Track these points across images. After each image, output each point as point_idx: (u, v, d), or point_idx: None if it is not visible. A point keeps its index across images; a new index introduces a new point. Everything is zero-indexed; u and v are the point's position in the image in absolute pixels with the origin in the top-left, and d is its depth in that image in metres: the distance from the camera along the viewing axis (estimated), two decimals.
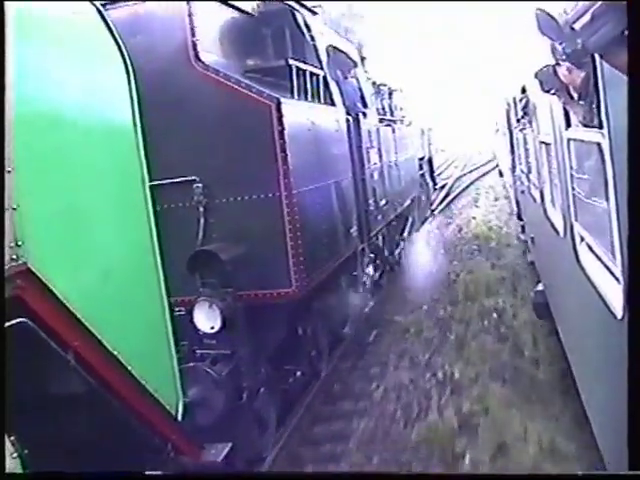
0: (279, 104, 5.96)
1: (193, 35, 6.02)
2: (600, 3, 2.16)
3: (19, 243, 2.75)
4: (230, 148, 6.08)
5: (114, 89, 3.72)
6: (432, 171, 19.52)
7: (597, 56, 2.56)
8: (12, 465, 2.68)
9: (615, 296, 2.98)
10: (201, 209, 6.16)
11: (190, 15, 6.00)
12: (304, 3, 8.21)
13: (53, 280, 2.89)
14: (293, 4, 7.75)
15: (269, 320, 6.41)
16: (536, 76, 4.30)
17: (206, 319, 5.88)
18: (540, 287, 8.53)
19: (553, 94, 4.12)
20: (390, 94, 14.41)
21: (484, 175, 32.33)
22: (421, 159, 16.92)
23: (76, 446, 3.23)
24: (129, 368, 3.36)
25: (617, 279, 2.98)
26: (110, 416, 3.39)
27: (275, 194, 6.02)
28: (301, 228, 6.11)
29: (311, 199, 6.61)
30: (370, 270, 9.70)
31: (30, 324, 2.77)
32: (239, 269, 5.96)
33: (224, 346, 5.94)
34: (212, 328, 5.89)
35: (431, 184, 18.87)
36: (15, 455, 2.69)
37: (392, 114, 13.89)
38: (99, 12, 3.61)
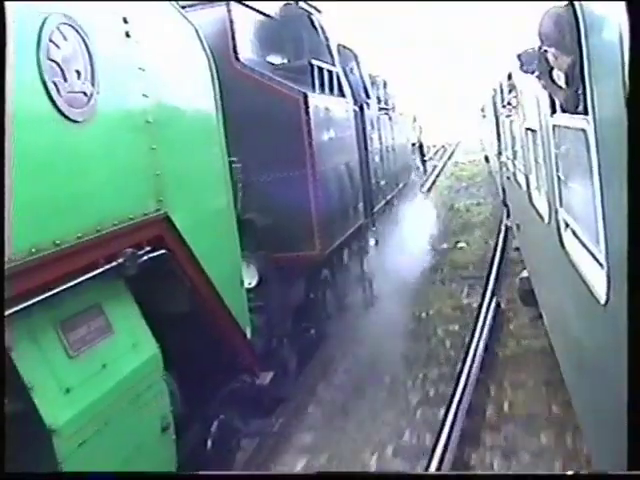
0: (306, 97, 7.17)
1: (233, 39, 7.17)
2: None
3: (160, 199, 3.94)
4: (264, 134, 7.24)
5: (205, 87, 4.87)
6: (423, 156, 20.79)
7: (584, 42, 2.65)
8: None
9: (599, 282, 2.90)
10: (240, 185, 7.33)
11: (231, 21, 7.16)
12: (312, 4, 9.36)
13: (180, 225, 4.09)
14: (307, 7, 8.90)
15: (295, 279, 7.66)
16: (519, 57, 4.44)
17: (245, 276, 7.09)
18: (525, 274, 8.78)
19: (535, 76, 4.06)
20: (385, 84, 15.61)
21: None
22: (413, 145, 18.16)
23: (180, 353, 4.41)
24: (220, 294, 4.58)
25: (601, 265, 2.90)
26: (205, 329, 4.60)
27: (302, 172, 7.22)
28: (323, 201, 7.33)
29: (329, 177, 7.82)
30: (372, 242, 10.95)
31: (168, 254, 3.95)
32: (272, 234, 7.17)
33: (259, 299, 7.16)
34: (249, 284, 7.10)
35: (422, 168, 20.14)
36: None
37: (387, 103, 15.09)
38: (191, 25, 4.75)
